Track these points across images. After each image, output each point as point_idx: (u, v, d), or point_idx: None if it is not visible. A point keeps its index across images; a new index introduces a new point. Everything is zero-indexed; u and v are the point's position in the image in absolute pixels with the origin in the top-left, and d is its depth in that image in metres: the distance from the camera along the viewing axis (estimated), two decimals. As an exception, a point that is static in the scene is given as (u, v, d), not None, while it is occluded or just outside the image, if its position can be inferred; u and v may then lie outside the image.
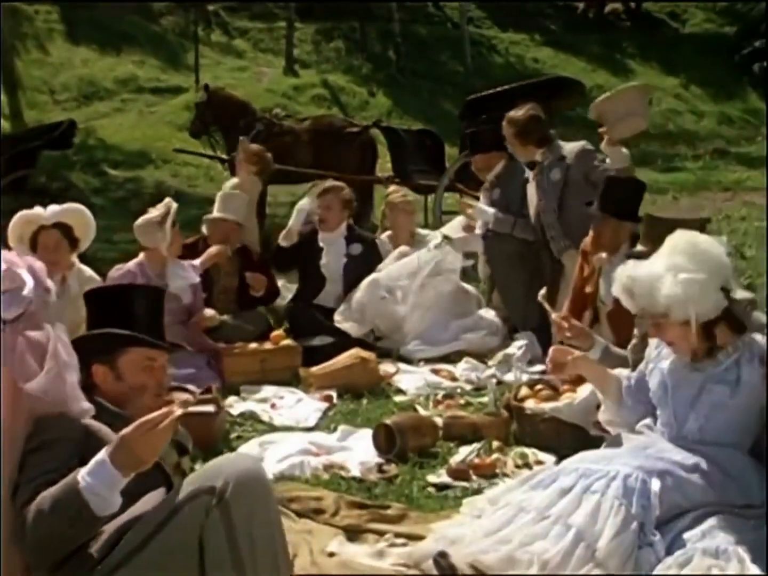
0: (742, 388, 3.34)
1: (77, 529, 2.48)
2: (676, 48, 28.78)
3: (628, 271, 3.50)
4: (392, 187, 7.57)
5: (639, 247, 4.33)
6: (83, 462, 2.53)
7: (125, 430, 2.48)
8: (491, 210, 6.56)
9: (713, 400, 3.37)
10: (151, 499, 2.64)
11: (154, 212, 5.86)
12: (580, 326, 4.22)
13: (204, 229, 6.64)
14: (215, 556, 2.44)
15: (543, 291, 4.32)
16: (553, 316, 4.43)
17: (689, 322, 3.28)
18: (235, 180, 7.83)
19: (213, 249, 6.31)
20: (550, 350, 3.91)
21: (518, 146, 6.35)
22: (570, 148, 6.24)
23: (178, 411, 2.50)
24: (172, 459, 2.85)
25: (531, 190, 6.37)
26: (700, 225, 4.34)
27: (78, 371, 2.81)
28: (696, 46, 28.84)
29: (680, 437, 3.43)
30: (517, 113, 6.34)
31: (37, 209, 5.40)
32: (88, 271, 5.65)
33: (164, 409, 2.52)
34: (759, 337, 3.40)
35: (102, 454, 2.47)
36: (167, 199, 6.00)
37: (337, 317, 6.46)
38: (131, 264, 5.85)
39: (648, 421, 3.62)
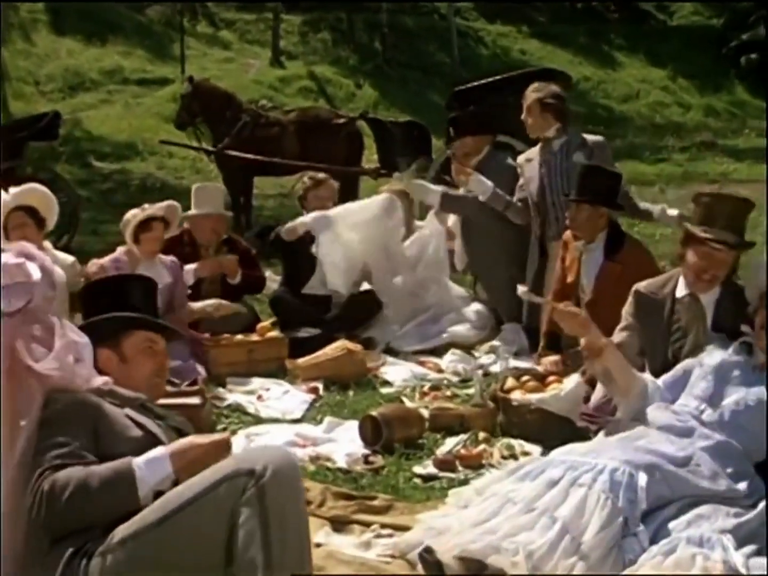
0: None
1: (115, 510, 2.54)
2: (663, 40, 28.82)
3: None
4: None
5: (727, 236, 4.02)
6: (96, 439, 2.65)
7: (196, 439, 2.64)
8: (489, 183, 6.32)
9: (760, 393, 3.50)
10: None
11: (143, 210, 5.86)
12: (574, 310, 3.98)
13: (186, 224, 6.59)
14: (246, 536, 2.43)
15: (523, 287, 4.15)
16: (545, 301, 4.31)
17: None
18: None
19: (207, 263, 6.33)
20: (583, 340, 3.79)
21: (537, 113, 6.16)
22: (589, 138, 6.20)
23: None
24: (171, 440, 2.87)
25: (533, 169, 6.23)
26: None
27: (90, 351, 2.87)
28: (683, 39, 28.88)
29: (702, 416, 3.52)
30: (542, 83, 6.31)
31: (2, 194, 5.56)
32: (59, 253, 5.85)
33: (227, 434, 2.74)
34: None
35: (163, 451, 2.59)
36: (167, 202, 5.98)
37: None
38: (106, 260, 5.85)
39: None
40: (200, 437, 2.68)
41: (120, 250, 5.90)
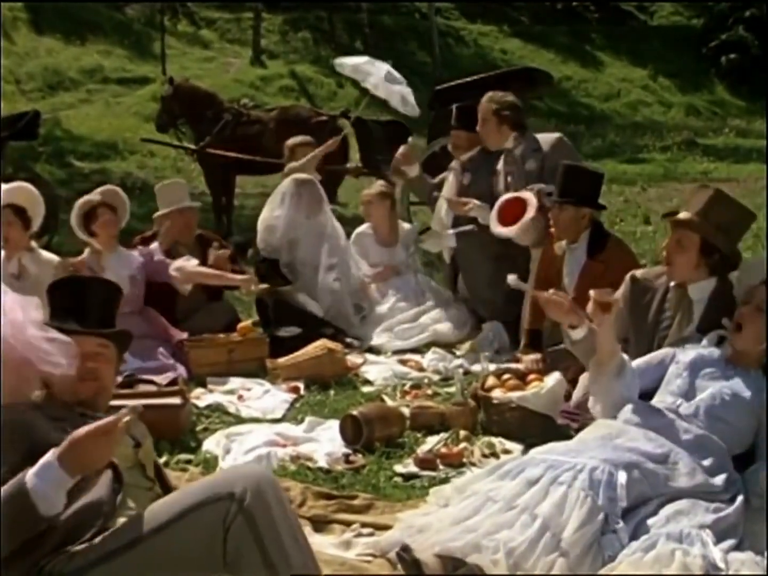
0: (759, 398, 3.54)
1: (22, 528, 2.42)
2: (644, 40, 29.00)
3: None
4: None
5: (682, 214, 3.93)
6: (33, 459, 2.49)
7: (75, 434, 2.44)
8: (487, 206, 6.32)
9: (734, 387, 3.56)
10: (102, 483, 2.62)
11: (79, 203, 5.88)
12: (557, 298, 3.76)
13: (155, 226, 6.55)
14: (247, 562, 2.44)
15: (512, 276, 4.00)
16: (530, 289, 4.01)
17: None
18: None
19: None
20: (593, 292, 3.61)
21: (493, 125, 6.24)
22: (545, 138, 6.22)
23: (127, 417, 2.47)
24: (125, 451, 2.79)
25: (500, 179, 6.32)
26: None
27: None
28: (664, 38, 29.07)
29: (679, 410, 3.54)
30: (498, 93, 6.32)
31: None
32: (45, 253, 5.82)
33: (114, 416, 2.47)
34: None
35: (50, 456, 2.43)
36: (101, 188, 6.00)
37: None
38: (77, 260, 5.84)
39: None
40: (84, 428, 2.46)
41: (86, 251, 5.90)
